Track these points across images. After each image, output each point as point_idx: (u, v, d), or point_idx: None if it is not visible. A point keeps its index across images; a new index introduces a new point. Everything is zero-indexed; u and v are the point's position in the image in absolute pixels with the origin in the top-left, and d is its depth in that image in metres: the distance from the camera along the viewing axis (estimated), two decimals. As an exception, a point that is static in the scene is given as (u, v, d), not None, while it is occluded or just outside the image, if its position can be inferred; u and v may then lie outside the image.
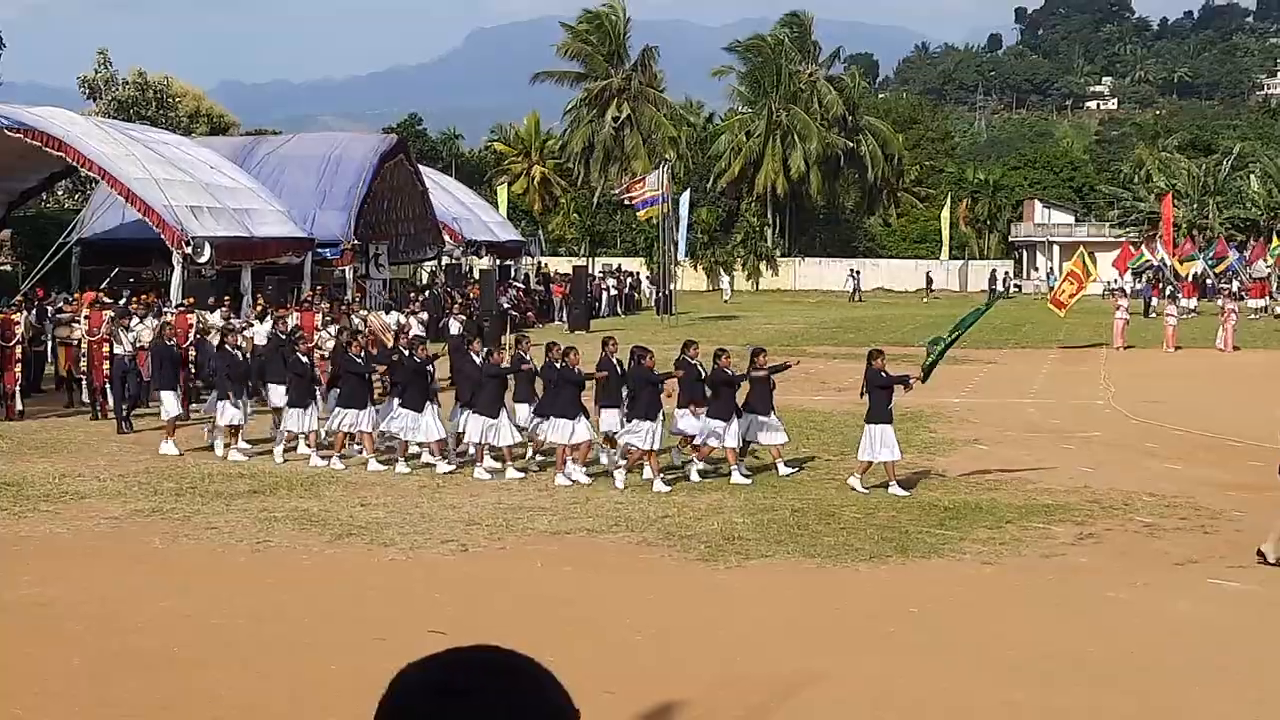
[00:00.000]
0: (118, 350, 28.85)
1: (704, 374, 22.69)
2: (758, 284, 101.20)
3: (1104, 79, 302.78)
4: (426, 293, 48.15)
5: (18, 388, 30.10)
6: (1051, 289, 73.65)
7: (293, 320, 31.36)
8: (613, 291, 72.80)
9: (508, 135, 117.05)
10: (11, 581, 15.47)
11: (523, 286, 66.87)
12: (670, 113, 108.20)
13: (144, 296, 36.24)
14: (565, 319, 60.39)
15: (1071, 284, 52.92)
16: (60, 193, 74.39)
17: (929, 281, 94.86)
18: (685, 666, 12.50)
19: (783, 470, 22.55)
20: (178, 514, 19.21)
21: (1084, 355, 46.44)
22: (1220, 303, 54.06)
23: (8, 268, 57.30)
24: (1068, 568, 16.46)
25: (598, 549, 17.33)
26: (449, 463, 23.15)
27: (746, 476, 22.04)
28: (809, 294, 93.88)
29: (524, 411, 23.65)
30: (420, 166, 59.89)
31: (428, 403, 23.31)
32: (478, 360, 23.77)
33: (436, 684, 2.27)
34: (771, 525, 18.60)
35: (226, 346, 25.72)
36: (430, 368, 23.76)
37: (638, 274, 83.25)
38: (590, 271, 71.19)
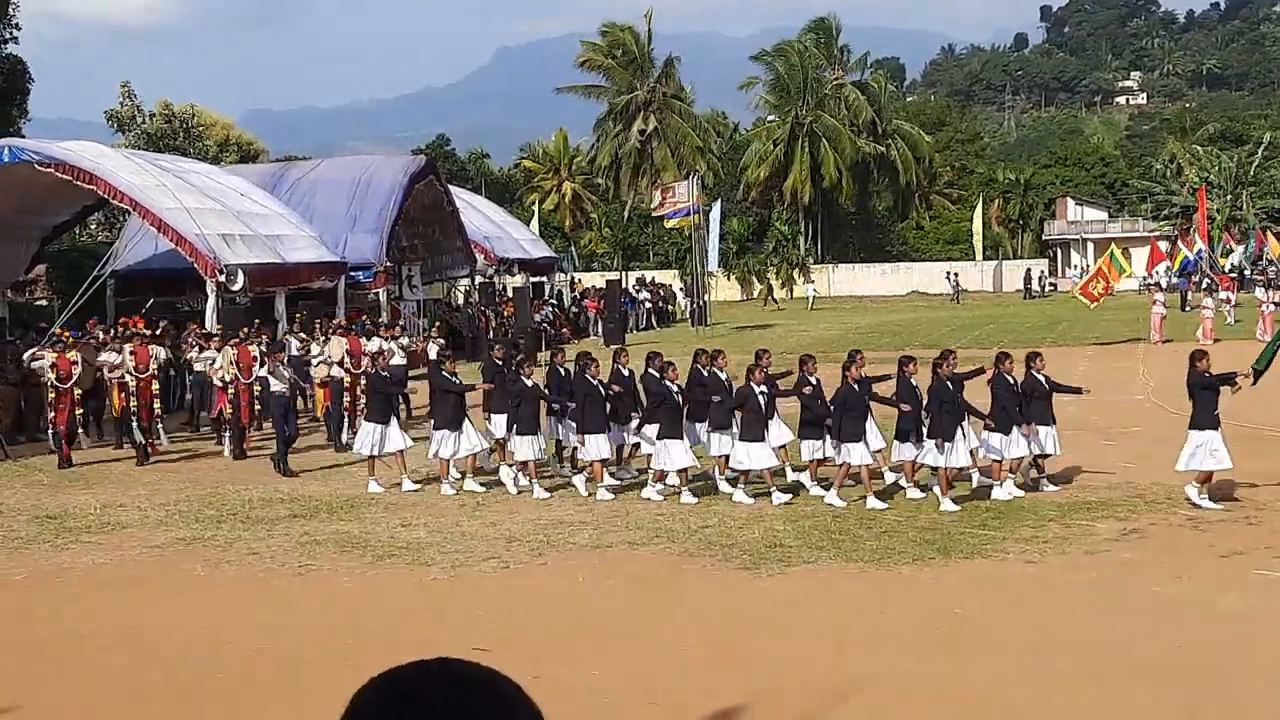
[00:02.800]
0: (276, 387, 26.62)
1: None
2: (791, 292, 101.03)
3: (1132, 74, 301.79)
4: (403, 322, 47.04)
5: (81, 430, 29.31)
6: (1075, 283, 73.46)
7: (337, 346, 30.62)
8: (647, 305, 72.81)
9: (536, 153, 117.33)
10: (55, 613, 15.52)
11: (556, 303, 66.93)
12: (696, 125, 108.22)
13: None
14: (600, 333, 60.38)
15: (1100, 281, 52.72)
16: (93, 225, 74.78)
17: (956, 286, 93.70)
18: (730, 676, 12.44)
19: (1004, 491, 20.96)
20: (219, 540, 19.24)
21: (1122, 351, 46.20)
22: (1258, 293, 53.71)
23: (43, 302, 57.58)
24: (1112, 564, 16.35)
25: (639, 561, 17.29)
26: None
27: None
28: (844, 300, 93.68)
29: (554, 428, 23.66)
30: (451, 187, 59.87)
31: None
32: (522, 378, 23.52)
33: (398, 692, 2.24)
34: (813, 531, 18.54)
35: (444, 373, 23.84)
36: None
37: (670, 286, 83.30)
38: (624, 285, 71.11)
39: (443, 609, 15.23)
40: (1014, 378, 21.30)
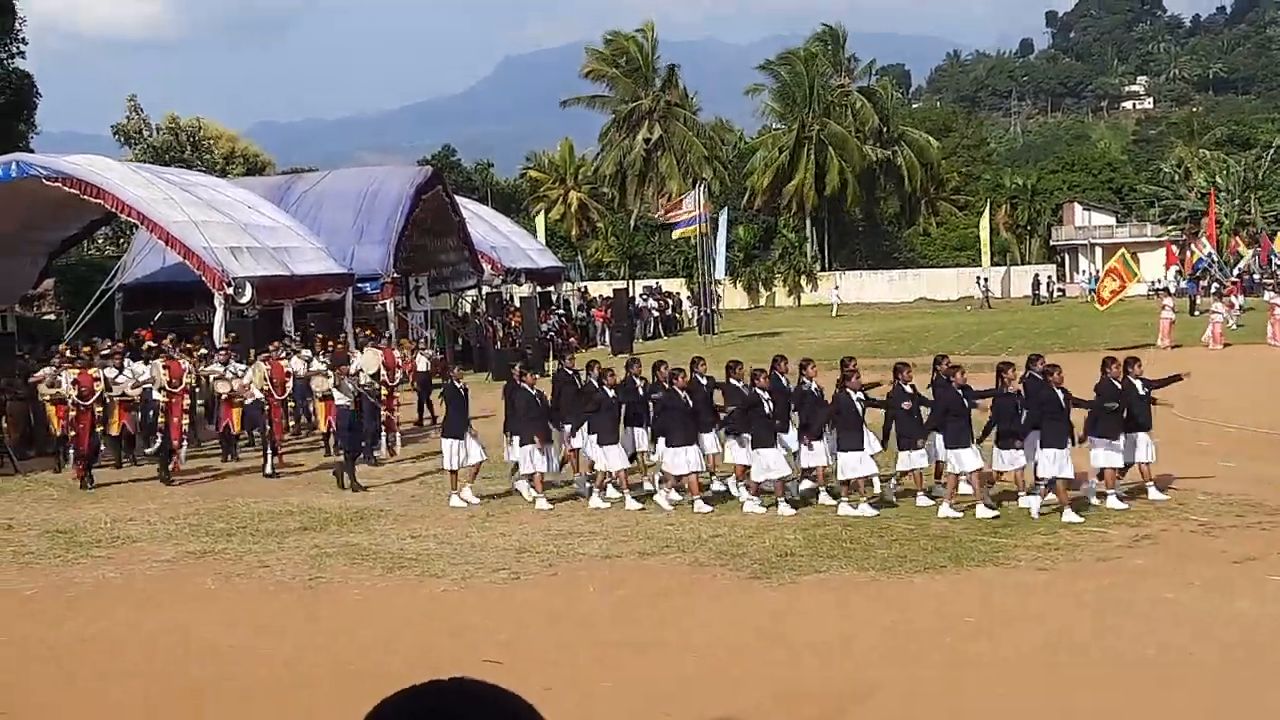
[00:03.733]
0: (341, 400, 25.91)
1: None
2: (799, 299, 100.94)
3: (1138, 78, 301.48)
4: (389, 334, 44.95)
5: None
6: (1093, 290, 73.55)
7: (369, 359, 29.77)
8: (655, 313, 72.80)
9: (542, 163, 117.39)
10: (62, 624, 15.48)
11: (564, 312, 66.94)
12: (701, 132, 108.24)
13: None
14: (608, 342, 60.35)
15: (1114, 280, 52.87)
16: (100, 239, 74.85)
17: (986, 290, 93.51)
18: (742, 685, 12.41)
19: (1153, 495, 20.56)
20: (229, 554, 19.22)
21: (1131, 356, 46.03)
22: (1267, 297, 53.67)
23: (51, 317, 57.59)
24: (1124, 570, 16.31)
25: (650, 572, 17.25)
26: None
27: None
28: (851, 307, 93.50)
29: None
30: (457, 197, 59.85)
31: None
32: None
33: (415, 710, 2.24)
34: (824, 540, 18.49)
35: (524, 385, 22.99)
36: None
37: (678, 294, 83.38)
38: (631, 294, 71.14)
39: (453, 621, 15.20)
40: (1120, 384, 20.85)
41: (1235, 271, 74.20)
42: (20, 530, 21.94)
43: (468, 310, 63.35)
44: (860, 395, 21.07)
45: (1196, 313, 63.36)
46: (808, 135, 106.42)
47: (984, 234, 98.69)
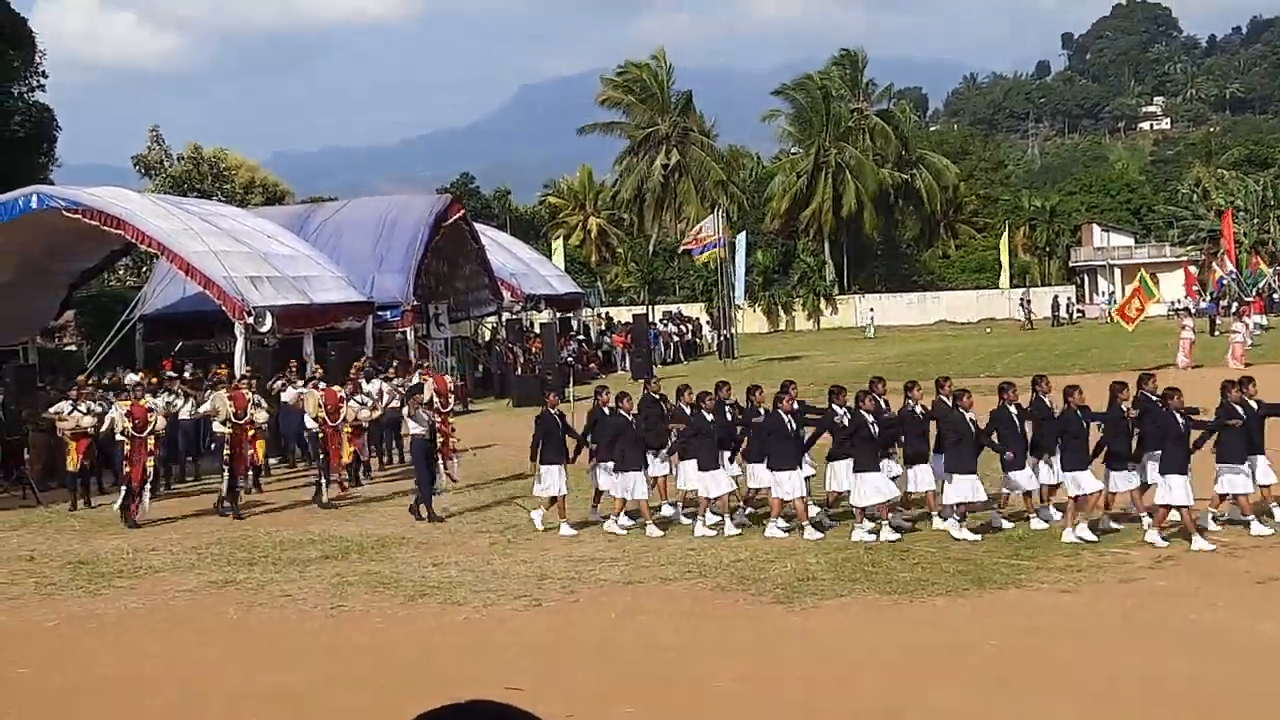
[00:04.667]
0: (415, 430, 25.35)
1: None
2: (819, 323, 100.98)
3: (1155, 99, 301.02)
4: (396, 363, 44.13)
5: (147, 487, 26.36)
6: (1113, 306, 73.35)
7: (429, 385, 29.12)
8: (675, 338, 72.80)
9: (561, 189, 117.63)
10: (90, 659, 15.50)
11: (584, 338, 66.97)
12: (718, 158, 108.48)
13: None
14: (629, 367, 60.34)
15: (1137, 300, 52.98)
16: (121, 270, 75.01)
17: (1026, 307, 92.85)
18: (764, 711, 12.39)
19: (1258, 529, 19.68)
20: (251, 583, 19.23)
21: (1246, 376, 45.86)
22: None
23: (72, 348, 57.71)
24: (1147, 592, 16.26)
25: (671, 597, 17.22)
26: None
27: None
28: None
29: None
30: (476, 224, 59.91)
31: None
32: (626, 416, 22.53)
33: None
34: (846, 564, 18.45)
35: (621, 412, 22.56)
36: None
37: (698, 319, 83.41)
38: (651, 319, 71.13)
39: (475, 648, 15.19)
40: (1241, 406, 20.17)
41: (1255, 290, 73.95)
42: (42, 561, 21.98)
43: (488, 337, 63.40)
44: (972, 415, 20.75)
45: (1216, 333, 63.20)
46: (825, 159, 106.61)
47: (1003, 256, 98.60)
